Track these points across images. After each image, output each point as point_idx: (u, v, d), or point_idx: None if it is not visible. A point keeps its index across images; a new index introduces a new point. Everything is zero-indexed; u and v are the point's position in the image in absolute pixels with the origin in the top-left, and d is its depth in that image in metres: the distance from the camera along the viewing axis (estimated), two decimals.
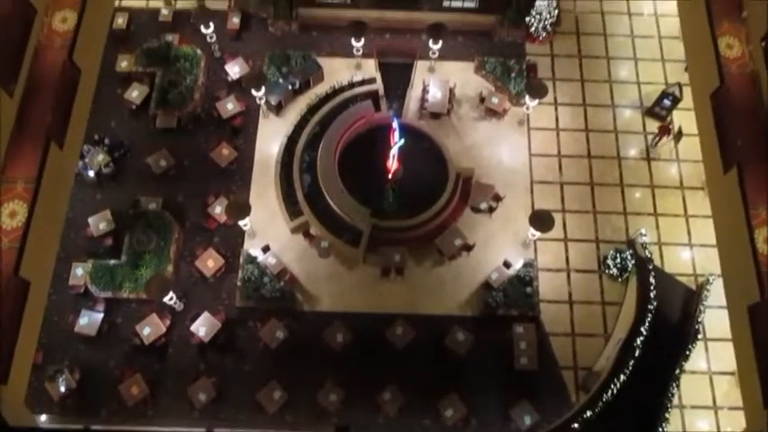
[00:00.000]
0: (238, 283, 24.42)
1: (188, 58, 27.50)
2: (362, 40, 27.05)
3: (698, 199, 26.24)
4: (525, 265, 24.92)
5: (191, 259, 24.82)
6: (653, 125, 27.71)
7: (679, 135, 26.76)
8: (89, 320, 23.41)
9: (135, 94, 27.09)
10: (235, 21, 28.85)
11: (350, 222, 24.93)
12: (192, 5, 29.46)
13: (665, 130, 26.98)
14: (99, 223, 24.88)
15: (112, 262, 24.09)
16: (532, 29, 28.47)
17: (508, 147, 27.21)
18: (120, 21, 28.46)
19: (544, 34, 28.70)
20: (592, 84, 28.74)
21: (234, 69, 27.65)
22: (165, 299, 22.52)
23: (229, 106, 26.97)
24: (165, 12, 29.05)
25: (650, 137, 27.40)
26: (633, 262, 24.76)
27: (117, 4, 28.41)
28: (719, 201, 21.41)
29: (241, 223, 23.77)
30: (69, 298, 24.09)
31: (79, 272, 24.08)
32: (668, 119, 27.55)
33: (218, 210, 25.33)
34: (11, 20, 18.50)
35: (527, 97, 26.04)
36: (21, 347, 17.40)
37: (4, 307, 16.88)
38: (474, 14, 28.56)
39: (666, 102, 27.17)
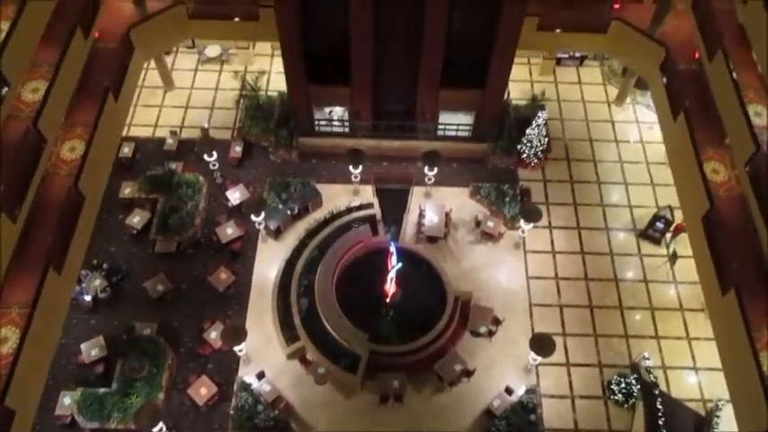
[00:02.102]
0: (231, 412, 23.53)
1: (190, 185, 28.24)
2: (360, 167, 27.95)
3: (699, 321, 26.00)
4: (528, 392, 24.19)
5: (183, 387, 24.08)
6: (647, 247, 28.06)
7: (674, 257, 26.99)
8: None
9: (136, 219, 27.53)
10: (237, 149, 29.92)
11: (347, 347, 24.46)
12: (196, 135, 30.66)
13: (679, 229, 27.25)
14: (91, 350, 24.37)
15: (102, 390, 23.34)
16: (524, 155, 29.52)
17: (505, 269, 27.33)
18: (127, 150, 29.51)
19: (536, 161, 29.73)
20: (585, 207, 29.39)
21: (234, 195, 28.31)
22: (155, 430, 21.57)
23: (229, 231, 27.33)
24: (170, 141, 30.19)
25: (648, 259, 27.67)
26: (638, 387, 24.08)
27: (124, 133, 29.56)
28: (721, 323, 21.23)
29: (236, 349, 23.32)
30: (55, 429, 23.09)
31: (67, 401, 23.25)
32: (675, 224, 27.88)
33: (214, 335, 24.92)
34: (22, 148, 19.15)
35: (522, 221, 26.51)
36: None
37: None
38: (467, 143, 29.75)
39: (659, 224, 27.69)
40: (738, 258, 20.18)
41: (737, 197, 21.87)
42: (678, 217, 26.61)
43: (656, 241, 28.12)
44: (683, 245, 26.01)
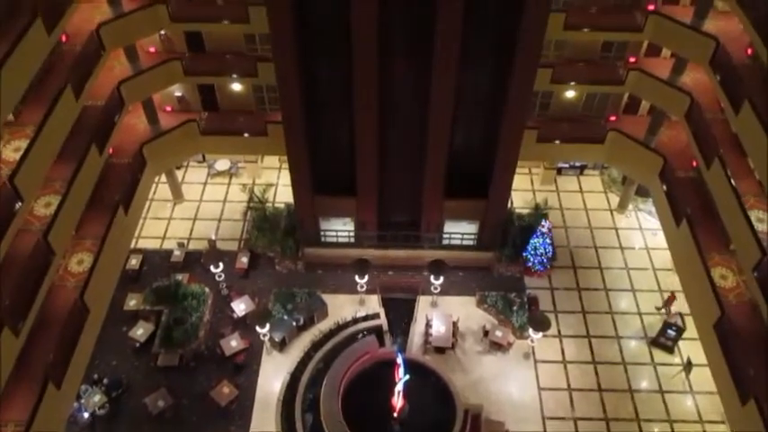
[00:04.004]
0: None
1: (195, 296, 28.17)
2: (366, 276, 27.94)
3: None
4: None
5: None
6: (661, 356, 27.41)
7: (689, 366, 26.26)
8: None
9: (140, 332, 27.22)
10: (243, 260, 30.09)
11: None
12: (203, 246, 30.95)
13: (671, 300, 27.86)
14: None
15: None
16: (530, 263, 29.52)
17: (516, 381, 26.57)
18: (134, 262, 29.71)
19: (542, 269, 29.69)
20: (593, 315, 29.00)
21: (240, 307, 28.14)
22: None
23: (233, 343, 26.92)
24: (177, 253, 30.44)
25: (662, 368, 26.93)
26: None
27: (132, 245, 29.89)
28: None
29: None
30: None
31: None
32: (673, 305, 28.35)
33: None
34: (31, 261, 19.28)
35: (530, 330, 26.11)
36: None
37: None
38: (473, 251, 29.88)
39: (670, 332, 27.18)
40: (755, 365, 19.61)
41: (748, 302, 21.59)
42: (690, 324, 26.15)
43: (669, 349, 27.49)
44: (697, 352, 25.36)
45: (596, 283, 30.28)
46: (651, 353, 27.67)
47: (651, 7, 25.22)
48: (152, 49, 27.66)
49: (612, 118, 29.20)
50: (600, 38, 26.89)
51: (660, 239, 29.83)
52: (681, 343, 27.39)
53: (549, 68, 26.49)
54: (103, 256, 23.32)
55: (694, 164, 26.02)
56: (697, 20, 24.58)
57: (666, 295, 28.88)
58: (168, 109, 29.50)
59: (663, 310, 28.65)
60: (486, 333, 27.66)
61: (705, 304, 22.46)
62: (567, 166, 34.83)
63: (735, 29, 23.54)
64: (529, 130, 26.85)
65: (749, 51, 23.22)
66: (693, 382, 26.46)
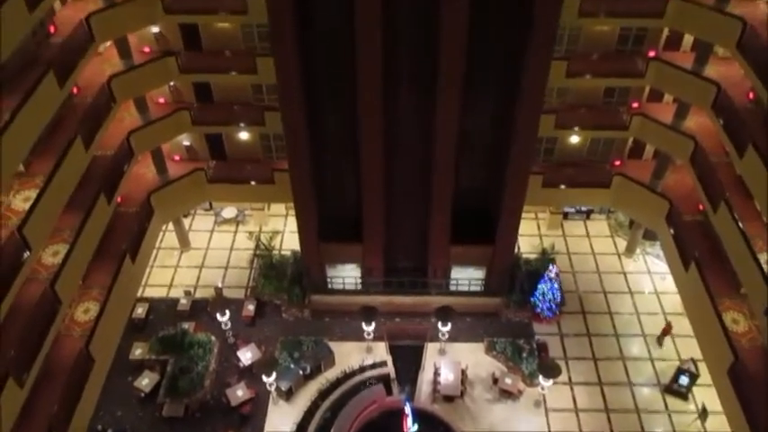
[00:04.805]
0: None
1: (202, 345, 27.94)
2: (373, 323, 27.71)
3: None
4: None
5: None
6: (675, 403, 26.81)
7: (704, 413, 25.67)
8: None
9: (145, 381, 26.92)
10: (250, 308, 29.94)
11: None
12: (210, 294, 30.87)
13: (668, 329, 28.27)
14: None
15: None
16: (538, 309, 29.24)
17: (527, 430, 25.97)
18: (140, 310, 29.61)
19: (550, 314, 29.38)
20: (605, 362, 28.53)
21: (246, 355, 27.86)
22: None
23: (239, 393, 26.55)
24: (183, 301, 30.34)
25: (677, 416, 26.36)
26: None
27: (139, 294, 29.84)
28: None
29: None
30: None
31: None
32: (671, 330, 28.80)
33: None
34: (37, 311, 19.24)
35: (541, 377, 25.67)
36: None
37: None
38: (480, 297, 29.66)
39: (684, 378, 26.66)
40: None
41: (761, 347, 21.24)
42: (703, 369, 25.66)
43: (683, 396, 26.92)
44: (712, 399, 24.81)
45: (606, 328, 29.88)
46: (665, 400, 27.09)
47: (652, 53, 25.62)
48: (161, 100, 28.19)
49: (617, 162, 29.33)
50: (602, 84, 27.24)
51: (669, 283, 29.54)
52: (695, 389, 26.83)
53: (552, 114, 26.78)
54: (110, 305, 23.28)
55: (701, 207, 25.99)
56: (698, 65, 24.93)
57: (662, 327, 29.05)
58: (176, 158, 29.87)
59: (662, 341, 28.88)
60: (495, 380, 27.21)
61: (718, 349, 22.10)
62: (573, 210, 34.85)
63: (736, 74, 23.84)
64: (534, 176, 26.96)
65: (751, 95, 23.46)
66: (709, 430, 25.81)
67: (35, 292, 19.60)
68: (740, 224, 22.08)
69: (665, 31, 25.80)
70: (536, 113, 23.25)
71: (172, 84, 27.80)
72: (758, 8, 23.10)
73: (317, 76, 23.48)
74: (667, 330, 28.49)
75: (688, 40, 26.11)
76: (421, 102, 23.55)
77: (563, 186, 29.05)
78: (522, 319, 29.73)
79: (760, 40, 21.34)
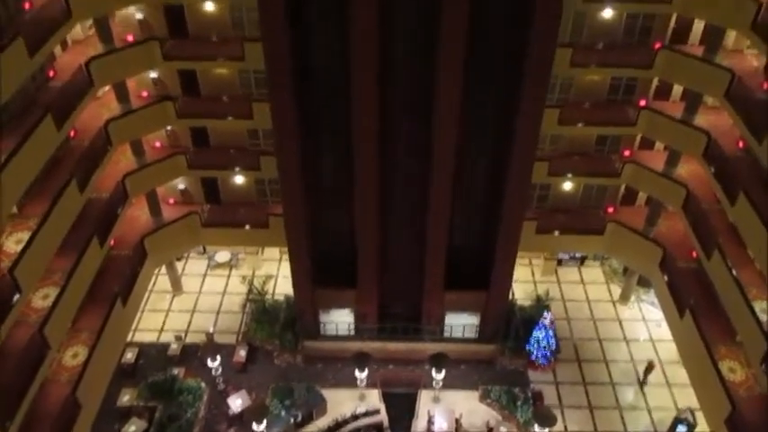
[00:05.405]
0: None
1: (191, 391, 27.43)
2: (366, 370, 27.32)
3: None
4: None
5: None
6: None
7: None
8: None
9: (132, 429, 26.24)
10: (242, 353, 29.50)
11: None
12: (201, 339, 30.45)
13: (650, 369, 28.43)
14: None
15: None
16: (533, 357, 28.94)
17: None
18: (129, 355, 29.10)
19: (545, 362, 29.06)
20: (601, 411, 28.10)
21: (236, 402, 27.31)
22: None
23: None
24: (174, 346, 29.87)
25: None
26: None
27: (129, 338, 29.39)
28: None
29: None
30: None
31: None
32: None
33: None
34: (24, 356, 18.90)
35: (536, 426, 25.23)
36: None
37: None
38: (475, 344, 29.36)
39: (681, 428, 26.23)
40: None
41: (759, 396, 21.01)
42: (700, 419, 25.31)
43: None
44: None
45: (602, 376, 29.55)
46: None
47: (643, 103, 26.07)
48: (157, 144, 28.36)
49: (611, 209, 29.51)
50: (594, 132, 27.63)
51: (664, 331, 29.37)
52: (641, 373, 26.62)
53: (545, 161, 27.05)
54: (99, 349, 22.91)
55: (694, 254, 26.05)
56: (688, 114, 25.35)
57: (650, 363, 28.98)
58: (171, 201, 29.87)
59: (646, 380, 28.85)
60: (490, 429, 26.72)
61: (715, 399, 21.86)
62: (567, 257, 34.86)
63: (725, 122, 24.24)
64: (528, 222, 27.08)
65: (740, 144, 23.80)
66: None
67: (23, 335, 19.30)
68: (734, 271, 22.11)
69: (655, 81, 26.33)
70: (529, 159, 23.48)
71: (169, 128, 28.01)
72: (745, 59, 23.68)
73: (313, 123, 23.72)
74: (650, 369, 28.43)
75: (678, 89, 26.63)
76: (417, 146, 23.75)
77: (557, 232, 29.14)
78: (517, 366, 29.38)
79: (747, 90, 21.79)
